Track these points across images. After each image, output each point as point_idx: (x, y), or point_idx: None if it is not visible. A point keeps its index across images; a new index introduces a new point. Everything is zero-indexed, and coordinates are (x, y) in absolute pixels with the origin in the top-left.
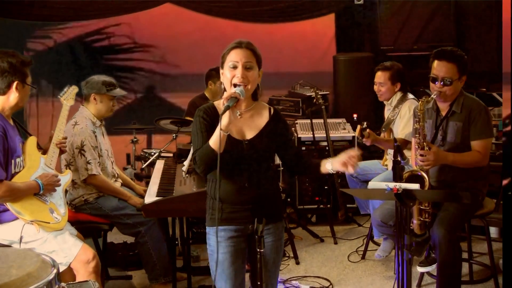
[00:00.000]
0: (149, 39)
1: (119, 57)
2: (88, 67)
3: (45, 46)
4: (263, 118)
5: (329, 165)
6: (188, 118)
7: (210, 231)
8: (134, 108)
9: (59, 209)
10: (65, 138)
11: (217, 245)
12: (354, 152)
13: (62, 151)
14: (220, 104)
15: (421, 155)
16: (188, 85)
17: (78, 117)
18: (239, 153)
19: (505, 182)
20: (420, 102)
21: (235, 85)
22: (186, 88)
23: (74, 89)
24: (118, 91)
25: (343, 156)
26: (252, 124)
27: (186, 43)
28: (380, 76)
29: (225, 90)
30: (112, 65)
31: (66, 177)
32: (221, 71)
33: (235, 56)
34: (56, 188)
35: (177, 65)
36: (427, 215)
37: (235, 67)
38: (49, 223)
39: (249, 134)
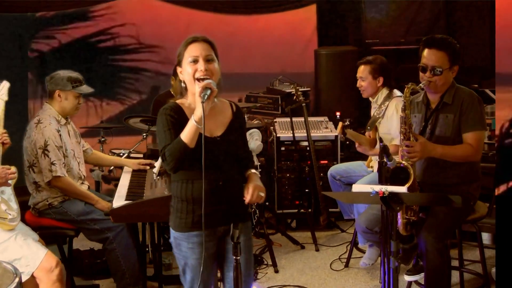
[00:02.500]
0: (154, 40)
1: (124, 58)
2: (93, 67)
3: (50, 47)
4: (227, 114)
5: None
6: (149, 115)
7: (180, 237)
8: (138, 108)
9: (11, 205)
10: (5, 132)
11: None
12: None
13: (4, 144)
14: (183, 103)
15: (407, 146)
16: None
17: (41, 115)
18: (212, 150)
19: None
20: (406, 88)
21: (198, 80)
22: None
23: (5, 84)
24: (85, 88)
25: (249, 187)
26: (218, 121)
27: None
28: (361, 70)
29: (186, 88)
30: (117, 66)
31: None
32: (179, 69)
33: (194, 50)
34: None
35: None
36: (412, 213)
37: (195, 61)
38: (5, 218)
39: (218, 131)
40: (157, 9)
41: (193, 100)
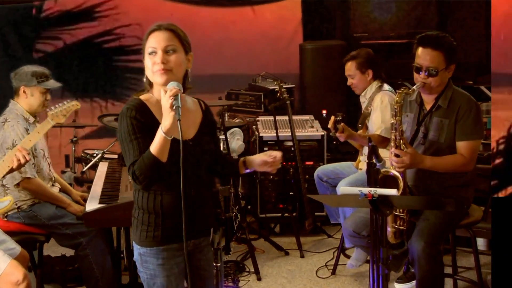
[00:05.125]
0: None
1: (129, 58)
2: (98, 68)
3: (55, 47)
4: (197, 113)
5: (248, 164)
6: None
7: (148, 253)
8: None
9: None
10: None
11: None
12: (276, 152)
13: (13, 170)
14: (148, 98)
15: (396, 155)
16: (198, 86)
17: (8, 113)
18: (185, 156)
19: None
20: (397, 93)
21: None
22: (196, 89)
23: (73, 106)
24: (52, 83)
25: (263, 155)
26: (189, 121)
27: (196, 44)
28: (348, 68)
29: (150, 84)
30: (123, 66)
31: (2, 204)
32: (144, 62)
33: (153, 41)
34: None
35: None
36: (402, 222)
37: (154, 53)
38: None
39: (190, 133)
40: (162, 9)
41: (159, 95)
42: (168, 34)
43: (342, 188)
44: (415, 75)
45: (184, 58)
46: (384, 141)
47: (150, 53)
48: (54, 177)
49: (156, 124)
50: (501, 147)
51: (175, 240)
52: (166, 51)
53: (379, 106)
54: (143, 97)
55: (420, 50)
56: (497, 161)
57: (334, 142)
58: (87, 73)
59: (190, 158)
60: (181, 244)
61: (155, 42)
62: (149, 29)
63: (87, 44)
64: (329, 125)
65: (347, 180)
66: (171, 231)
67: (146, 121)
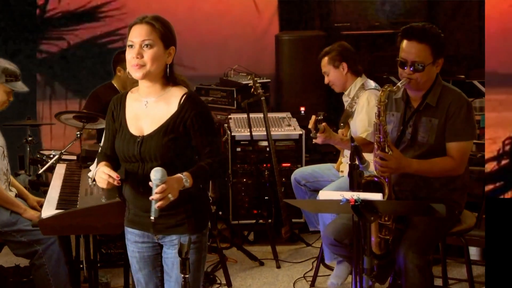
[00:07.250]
0: None
1: None
2: (102, 69)
3: (59, 48)
4: (170, 108)
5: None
6: (85, 111)
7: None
8: None
9: None
10: None
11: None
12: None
13: None
14: (134, 90)
15: (381, 158)
16: None
17: None
18: (132, 152)
19: None
20: (381, 91)
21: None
22: None
23: None
24: (19, 86)
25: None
26: (156, 117)
27: (200, 44)
28: (323, 64)
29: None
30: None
31: None
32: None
33: (132, 35)
34: None
35: (193, 67)
36: (387, 232)
37: (131, 46)
38: None
39: (148, 129)
40: (167, 8)
41: (141, 89)
42: (147, 28)
43: (322, 193)
44: (400, 70)
45: (161, 53)
46: (369, 145)
47: (129, 46)
48: (10, 181)
49: (120, 117)
50: (507, 148)
51: (136, 226)
52: (142, 46)
53: (365, 107)
54: (134, 89)
55: (404, 43)
56: (503, 162)
57: (314, 142)
58: (91, 73)
59: (138, 156)
60: (143, 232)
61: (133, 35)
62: (133, 21)
63: (91, 45)
64: (310, 125)
65: (332, 186)
66: (134, 218)
67: (116, 114)
